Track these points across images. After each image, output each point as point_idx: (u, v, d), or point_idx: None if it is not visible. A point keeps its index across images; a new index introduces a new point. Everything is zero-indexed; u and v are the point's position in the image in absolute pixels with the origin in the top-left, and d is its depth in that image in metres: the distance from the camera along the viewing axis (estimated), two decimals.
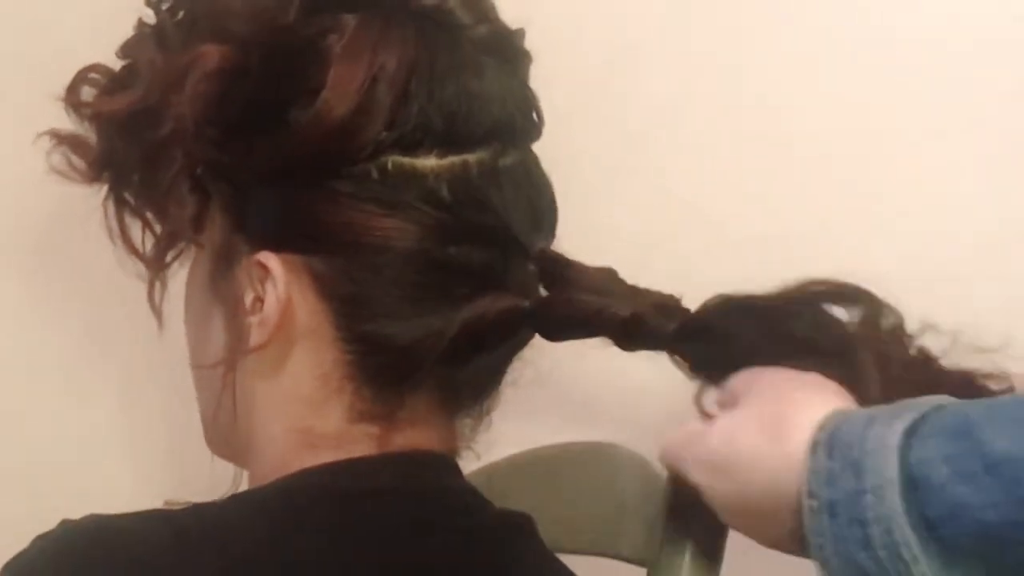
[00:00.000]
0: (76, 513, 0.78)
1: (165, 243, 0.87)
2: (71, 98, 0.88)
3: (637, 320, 0.85)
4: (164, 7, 0.86)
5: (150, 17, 0.87)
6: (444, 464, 0.88)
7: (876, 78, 1.12)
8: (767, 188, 1.16)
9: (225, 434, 0.89)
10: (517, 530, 0.87)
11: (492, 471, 1.04)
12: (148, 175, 0.85)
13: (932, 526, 0.68)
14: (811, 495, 0.72)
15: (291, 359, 0.84)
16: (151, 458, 1.25)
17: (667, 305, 0.87)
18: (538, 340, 0.89)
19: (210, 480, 0.88)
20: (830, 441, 0.72)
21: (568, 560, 0.89)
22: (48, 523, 0.77)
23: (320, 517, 0.81)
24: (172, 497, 0.83)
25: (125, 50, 0.87)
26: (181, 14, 0.86)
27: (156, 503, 0.81)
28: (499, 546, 0.85)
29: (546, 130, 0.89)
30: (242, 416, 0.87)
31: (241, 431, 0.87)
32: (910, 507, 0.69)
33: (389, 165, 0.81)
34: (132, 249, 0.89)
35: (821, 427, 0.74)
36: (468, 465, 0.99)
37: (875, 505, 0.69)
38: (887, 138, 1.11)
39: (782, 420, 0.77)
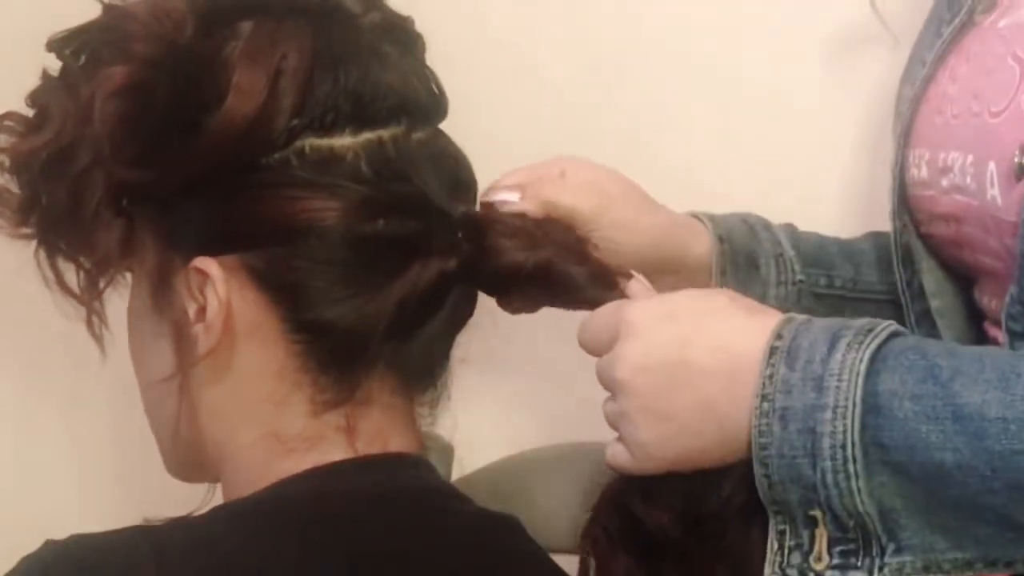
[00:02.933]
0: (25, 539, 0.79)
1: (96, 272, 0.89)
2: None
3: (547, 264, 0.89)
4: (67, 52, 0.88)
5: (53, 66, 0.89)
6: (419, 464, 0.89)
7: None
8: (766, 189, 1.20)
9: (190, 453, 0.90)
10: (501, 528, 0.88)
11: (491, 471, 1.05)
12: (73, 211, 0.86)
13: (884, 450, 0.74)
14: (764, 398, 0.76)
15: (243, 360, 0.86)
16: (98, 483, 1.26)
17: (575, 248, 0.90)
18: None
19: (161, 500, 0.89)
20: (790, 352, 0.76)
21: (566, 560, 0.90)
22: None
23: (303, 525, 0.82)
24: (120, 519, 0.83)
25: (34, 98, 0.89)
26: (85, 56, 0.88)
27: (106, 526, 0.81)
28: (483, 543, 0.86)
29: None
30: (206, 430, 0.88)
31: (209, 446, 0.88)
32: (865, 429, 0.74)
33: (306, 148, 0.84)
34: (69, 293, 0.90)
35: (778, 335, 0.77)
36: (467, 464, 1.01)
37: (832, 421, 0.74)
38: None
39: (748, 305, 0.82)
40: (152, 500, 0.88)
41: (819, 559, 0.76)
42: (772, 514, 0.77)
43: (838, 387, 0.74)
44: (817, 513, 0.76)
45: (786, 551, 0.77)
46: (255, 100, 0.82)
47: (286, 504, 0.84)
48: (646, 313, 0.81)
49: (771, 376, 0.76)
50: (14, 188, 0.89)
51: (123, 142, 0.84)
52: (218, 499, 0.89)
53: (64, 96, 0.87)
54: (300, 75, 0.83)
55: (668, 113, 1.23)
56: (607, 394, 0.84)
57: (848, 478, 0.74)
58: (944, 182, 0.90)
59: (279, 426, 0.85)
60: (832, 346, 0.76)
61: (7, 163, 0.89)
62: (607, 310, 0.85)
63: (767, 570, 0.78)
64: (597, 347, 0.84)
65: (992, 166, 0.84)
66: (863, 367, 0.74)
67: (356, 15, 0.87)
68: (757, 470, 0.77)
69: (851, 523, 0.75)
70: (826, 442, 0.74)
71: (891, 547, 0.75)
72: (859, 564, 0.76)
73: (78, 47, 0.88)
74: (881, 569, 0.75)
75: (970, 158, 0.87)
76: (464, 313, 0.91)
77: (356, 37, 0.86)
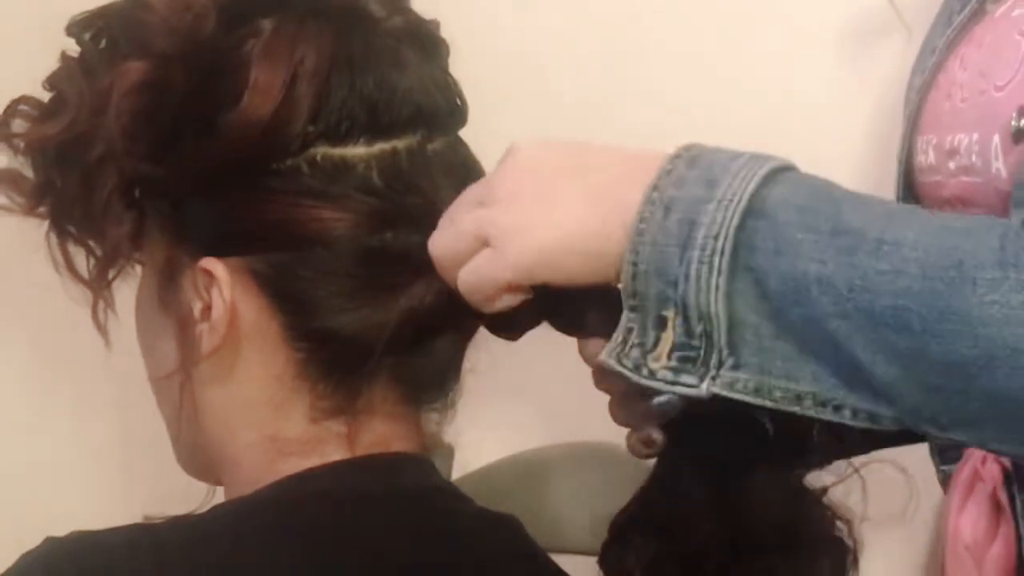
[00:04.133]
0: (26, 536, 0.79)
1: (105, 262, 0.89)
2: (2, 131, 0.88)
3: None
4: (86, 36, 0.88)
5: (73, 49, 0.88)
6: (421, 464, 0.89)
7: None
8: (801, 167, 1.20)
9: (194, 450, 0.91)
10: (501, 528, 0.88)
11: (491, 471, 1.06)
12: (85, 199, 0.86)
13: (753, 252, 0.73)
14: (655, 188, 0.75)
15: (244, 363, 0.86)
16: (100, 480, 1.27)
17: None
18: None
19: (163, 498, 0.89)
20: (694, 158, 0.75)
21: (566, 560, 0.91)
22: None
23: (303, 525, 0.82)
24: (122, 517, 0.84)
25: (52, 81, 0.88)
26: (104, 42, 0.87)
27: (107, 523, 0.82)
28: (483, 544, 0.87)
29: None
30: (208, 429, 0.88)
31: (211, 445, 0.89)
32: (743, 228, 0.72)
33: (318, 157, 0.83)
34: (78, 278, 0.90)
35: (686, 147, 0.76)
36: (466, 465, 1.01)
37: (713, 213, 0.73)
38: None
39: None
40: (154, 498, 0.89)
41: (658, 359, 0.75)
42: (627, 309, 0.75)
43: (730, 185, 0.73)
44: (669, 314, 0.74)
45: (628, 345, 0.76)
46: (271, 101, 0.81)
47: (286, 503, 0.84)
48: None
49: (669, 172, 0.75)
50: (28, 172, 0.89)
51: (137, 137, 0.84)
52: (219, 498, 0.90)
53: (81, 83, 0.86)
54: (317, 79, 0.82)
55: (681, 105, 1.23)
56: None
57: (711, 272, 0.72)
58: (951, 165, 0.90)
59: (279, 429, 0.86)
60: (735, 157, 0.75)
61: (22, 147, 0.88)
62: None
63: (602, 355, 0.76)
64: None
65: (996, 139, 0.84)
66: (762, 172, 0.73)
67: (379, 19, 0.86)
68: (627, 258, 0.75)
69: (699, 329, 0.74)
70: (701, 232, 0.73)
71: (730, 361, 0.74)
72: (693, 369, 0.74)
73: (97, 32, 0.88)
74: (713, 379, 0.74)
75: (975, 136, 0.86)
76: (475, 326, 0.90)
77: (377, 42, 0.85)
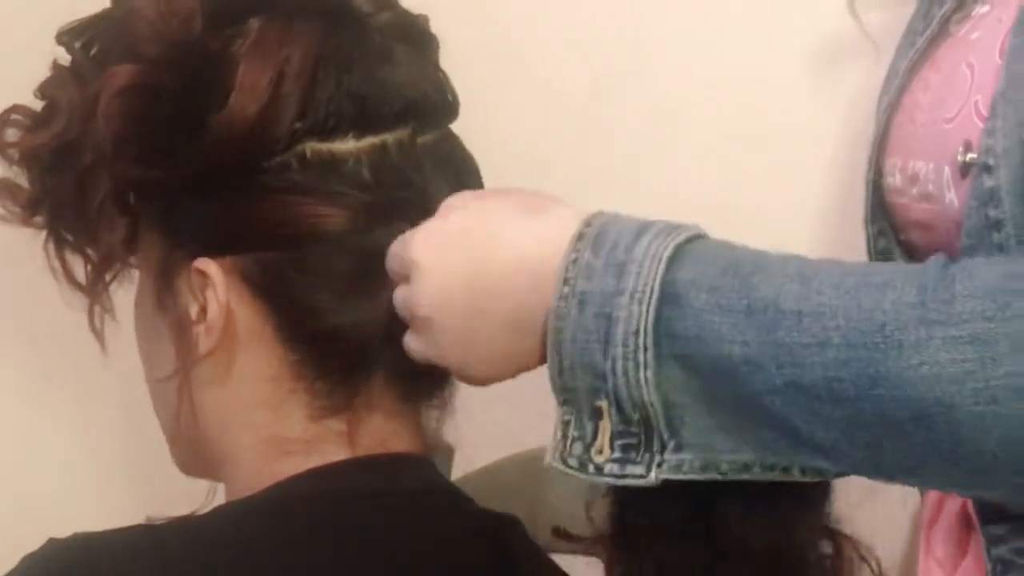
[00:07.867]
0: (28, 538, 0.79)
1: (100, 267, 0.89)
2: None
3: None
4: (77, 45, 0.88)
5: (65, 58, 0.89)
6: (422, 464, 0.89)
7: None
8: (748, 196, 1.21)
9: (193, 450, 0.90)
10: (502, 528, 0.88)
11: (493, 470, 1.05)
12: (79, 206, 0.87)
13: (675, 340, 0.73)
14: (566, 282, 0.75)
15: (241, 364, 0.86)
16: (101, 481, 1.27)
17: None
18: None
19: (165, 499, 0.89)
20: (597, 238, 0.75)
21: (566, 560, 0.90)
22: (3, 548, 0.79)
23: (304, 526, 0.82)
24: (123, 518, 0.84)
25: (43, 90, 0.89)
26: (94, 49, 0.88)
27: (109, 524, 0.82)
28: (484, 543, 0.87)
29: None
30: (208, 431, 0.88)
31: (211, 446, 0.89)
32: (660, 318, 0.73)
33: (308, 153, 0.83)
34: (76, 285, 0.90)
35: (587, 223, 0.76)
36: (468, 464, 1.01)
37: (628, 306, 0.73)
38: None
39: (537, 204, 0.79)
40: (156, 499, 0.89)
41: (600, 452, 0.75)
42: (560, 403, 0.77)
43: (639, 273, 0.73)
44: (603, 404, 0.74)
45: (569, 441, 0.76)
46: (259, 100, 0.82)
47: (287, 504, 0.84)
48: (430, 245, 0.80)
49: (575, 261, 0.75)
50: (23, 181, 0.89)
51: (127, 140, 0.84)
52: (221, 499, 0.90)
53: (72, 91, 0.87)
54: (304, 77, 0.83)
55: (653, 123, 1.24)
56: None
57: (637, 367, 0.73)
58: (914, 190, 0.90)
59: (278, 430, 0.86)
60: (639, 235, 0.74)
61: (16, 157, 0.89)
62: (394, 247, 0.82)
63: (547, 457, 0.77)
64: (399, 281, 0.82)
65: (947, 170, 0.84)
66: (666, 255, 0.73)
67: (367, 15, 0.87)
68: (550, 355, 0.75)
69: (636, 416, 0.74)
70: (620, 328, 0.73)
71: (672, 444, 0.74)
72: (639, 459, 0.75)
73: (87, 41, 0.88)
74: (660, 465, 0.74)
75: (931, 165, 0.87)
76: None
77: (365, 38, 0.86)
